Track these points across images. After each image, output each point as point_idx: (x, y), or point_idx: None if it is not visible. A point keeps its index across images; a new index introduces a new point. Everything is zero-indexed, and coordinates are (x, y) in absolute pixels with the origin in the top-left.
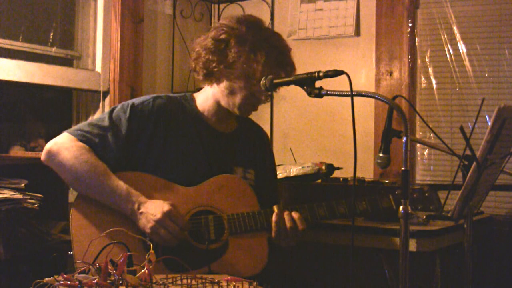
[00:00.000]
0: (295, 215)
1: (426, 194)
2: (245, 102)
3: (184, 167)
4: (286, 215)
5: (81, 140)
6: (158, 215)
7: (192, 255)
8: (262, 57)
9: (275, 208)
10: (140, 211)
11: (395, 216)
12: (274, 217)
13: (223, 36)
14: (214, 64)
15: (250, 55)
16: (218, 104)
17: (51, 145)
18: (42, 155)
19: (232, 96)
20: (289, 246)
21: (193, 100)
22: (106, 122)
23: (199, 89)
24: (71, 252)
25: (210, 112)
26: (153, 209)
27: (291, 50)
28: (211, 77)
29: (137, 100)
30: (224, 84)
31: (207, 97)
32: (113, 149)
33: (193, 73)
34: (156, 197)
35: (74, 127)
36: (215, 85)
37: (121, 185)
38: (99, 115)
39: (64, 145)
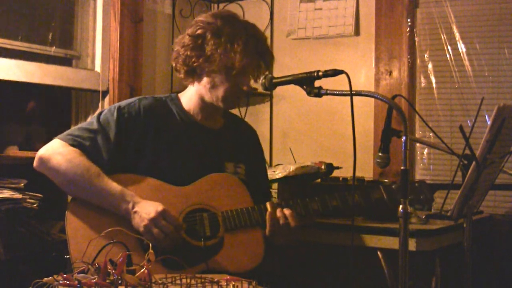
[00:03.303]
0: (287, 212)
1: (416, 184)
2: (228, 94)
3: (175, 165)
4: (278, 212)
5: (72, 145)
6: (152, 214)
7: (189, 253)
8: (239, 47)
9: (268, 206)
10: (134, 210)
11: (394, 214)
12: (267, 215)
13: (199, 32)
14: (193, 60)
15: (227, 46)
16: (202, 100)
17: (42, 151)
18: (35, 162)
19: (215, 90)
20: (284, 245)
21: (178, 99)
22: (95, 126)
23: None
24: (68, 256)
25: (196, 109)
26: (147, 208)
27: (267, 39)
28: (192, 74)
29: (123, 103)
30: (205, 79)
31: (191, 95)
32: (104, 152)
33: (175, 73)
34: (150, 197)
35: (64, 133)
36: (196, 83)
37: (115, 186)
38: (88, 120)
39: (56, 150)
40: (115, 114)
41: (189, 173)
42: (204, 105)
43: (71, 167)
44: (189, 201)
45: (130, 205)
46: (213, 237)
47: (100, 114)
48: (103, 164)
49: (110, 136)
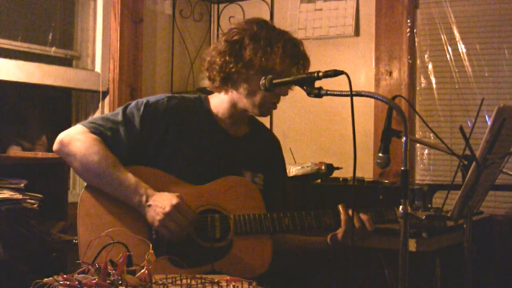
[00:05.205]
0: (363, 216)
1: (431, 211)
2: (265, 100)
3: (194, 167)
4: (352, 214)
5: (93, 132)
6: (167, 208)
7: (197, 253)
8: (279, 49)
9: (341, 208)
10: (148, 203)
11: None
12: (342, 216)
13: (236, 37)
14: (231, 65)
15: (267, 49)
16: (234, 107)
17: (63, 135)
18: (54, 145)
19: (252, 96)
20: (350, 246)
21: (207, 102)
22: (119, 117)
23: (198, 89)
24: (76, 241)
25: (224, 114)
26: (161, 202)
27: (303, 43)
28: (228, 81)
29: (151, 99)
30: (242, 85)
31: (222, 100)
32: (124, 144)
33: (209, 82)
34: (164, 191)
35: (88, 120)
36: (231, 90)
37: (130, 177)
38: (114, 111)
39: (76, 136)
40: (141, 109)
41: (205, 176)
42: (234, 111)
43: (88, 153)
44: (202, 201)
45: (144, 198)
46: (222, 240)
47: (127, 106)
48: (121, 156)
49: (133, 130)
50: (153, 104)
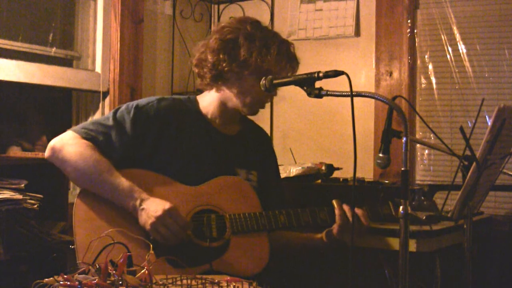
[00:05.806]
0: (358, 211)
1: (425, 203)
2: (255, 100)
3: (188, 167)
4: (347, 210)
5: (85, 138)
6: (159, 212)
7: (194, 252)
8: (274, 51)
9: (335, 203)
10: (142, 207)
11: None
12: (337, 211)
13: (230, 36)
14: (224, 64)
15: (262, 50)
16: (223, 106)
17: (55, 141)
18: (46, 152)
19: (242, 95)
20: (346, 242)
21: (197, 102)
22: (110, 121)
23: (198, 89)
24: (73, 246)
25: (214, 114)
26: (154, 206)
27: (294, 45)
28: (218, 79)
29: (141, 101)
30: (234, 84)
31: (211, 99)
32: (117, 148)
33: (198, 79)
34: (160, 194)
35: (79, 125)
36: (222, 88)
37: (124, 181)
38: (104, 115)
39: (68, 142)
40: (132, 112)
41: (200, 175)
42: (224, 110)
43: (82, 159)
44: (198, 201)
45: (138, 202)
46: (219, 239)
47: (117, 110)
48: (114, 160)
49: (124, 134)
50: (143, 107)
